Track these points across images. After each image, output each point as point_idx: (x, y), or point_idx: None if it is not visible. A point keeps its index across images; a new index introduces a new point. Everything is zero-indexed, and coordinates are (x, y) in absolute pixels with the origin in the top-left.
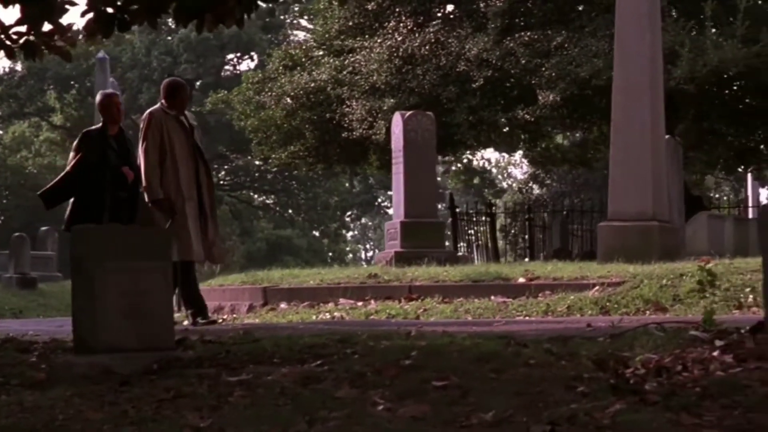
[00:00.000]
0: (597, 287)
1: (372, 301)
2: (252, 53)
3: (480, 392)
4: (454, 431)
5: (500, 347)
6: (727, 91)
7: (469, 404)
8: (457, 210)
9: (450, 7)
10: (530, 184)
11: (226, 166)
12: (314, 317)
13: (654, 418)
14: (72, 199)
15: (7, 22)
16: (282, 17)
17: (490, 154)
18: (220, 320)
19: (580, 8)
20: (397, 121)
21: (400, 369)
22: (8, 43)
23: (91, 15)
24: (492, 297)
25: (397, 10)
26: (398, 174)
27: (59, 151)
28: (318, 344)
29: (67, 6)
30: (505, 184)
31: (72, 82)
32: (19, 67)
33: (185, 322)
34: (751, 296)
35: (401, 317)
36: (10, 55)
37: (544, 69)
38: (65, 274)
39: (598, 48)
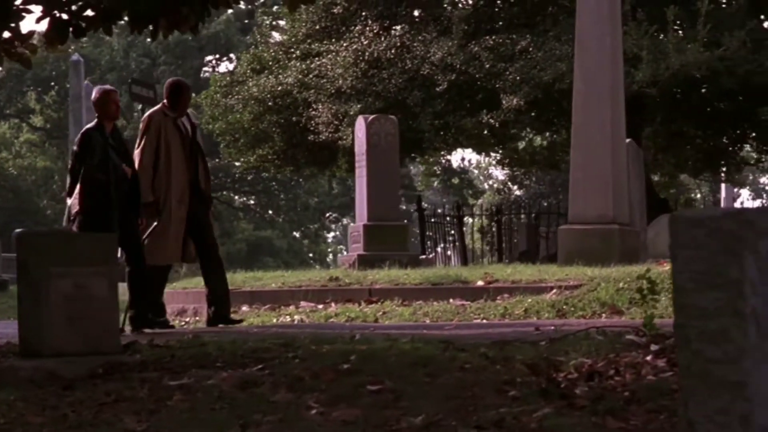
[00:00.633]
0: (555, 290)
1: (332, 304)
2: (231, 55)
3: (413, 396)
4: None
5: (437, 352)
6: (694, 94)
7: (400, 408)
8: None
9: (416, 11)
10: (508, 185)
11: None
12: (274, 320)
13: (580, 423)
14: (78, 200)
15: None
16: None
17: (470, 154)
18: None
19: (549, 10)
20: (360, 125)
21: (337, 373)
22: None
23: (47, 21)
24: (451, 300)
25: (364, 14)
26: (361, 177)
27: (39, 152)
28: (261, 348)
29: (23, 13)
30: (486, 185)
31: (52, 84)
32: None
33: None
34: None
35: (360, 320)
36: None
37: (508, 73)
38: None
39: (562, 52)
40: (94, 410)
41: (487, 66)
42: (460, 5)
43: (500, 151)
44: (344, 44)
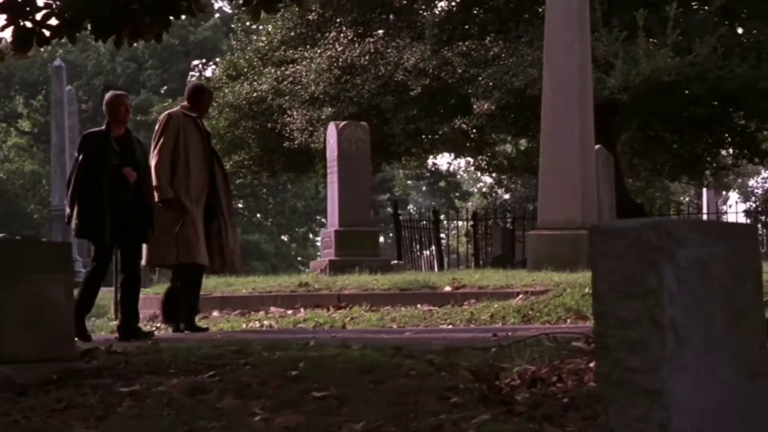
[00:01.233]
0: (521, 296)
1: (301, 310)
2: (217, 59)
3: (356, 403)
4: None
5: (385, 358)
6: (669, 100)
7: (343, 415)
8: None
9: (390, 17)
10: (495, 189)
11: None
12: (244, 325)
13: (517, 429)
14: (75, 204)
15: None
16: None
17: (458, 158)
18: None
19: (523, 17)
20: (331, 131)
21: (284, 380)
22: None
23: (11, 29)
24: (418, 305)
25: (338, 20)
26: (333, 183)
27: (27, 156)
28: (214, 355)
29: None
30: (475, 189)
31: (39, 88)
32: None
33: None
34: None
35: (328, 325)
36: None
37: (480, 78)
38: None
39: (533, 58)
40: (44, 416)
41: (460, 71)
42: (433, 11)
43: (478, 156)
44: (318, 51)
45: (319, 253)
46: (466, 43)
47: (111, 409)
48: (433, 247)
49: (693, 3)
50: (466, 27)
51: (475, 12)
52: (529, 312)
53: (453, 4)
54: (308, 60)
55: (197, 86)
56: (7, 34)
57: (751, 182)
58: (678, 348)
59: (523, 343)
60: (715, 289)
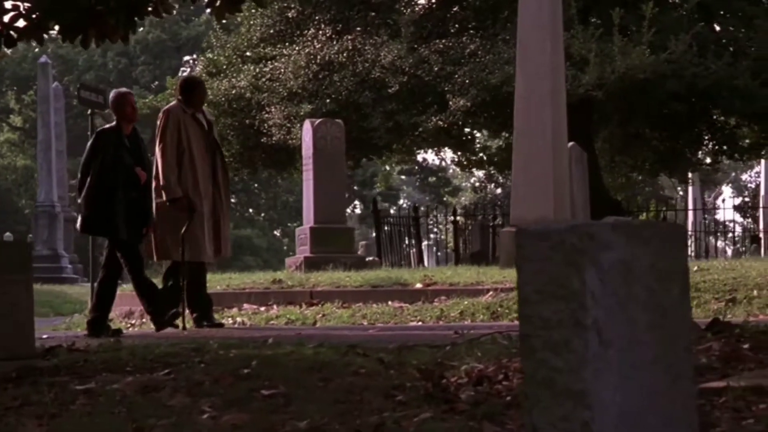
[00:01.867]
0: (491, 293)
1: (274, 307)
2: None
3: (303, 401)
4: None
5: (337, 356)
6: (648, 97)
7: (289, 413)
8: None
9: (369, 15)
10: (485, 184)
11: None
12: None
13: (457, 427)
14: (86, 201)
15: None
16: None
17: (450, 153)
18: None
19: (502, 15)
20: (306, 128)
21: (236, 378)
22: None
23: None
24: (390, 302)
25: (317, 17)
26: (308, 180)
27: (18, 151)
28: (171, 353)
29: None
30: (468, 184)
31: (30, 83)
32: None
33: (188, 325)
34: None
35: (300, 322)
36: None
37: (457, 76)
38: None
39: (509, 55)
40: None
41: (436, 69)
42: (409, 10)
43: (458, 152)
44: (297, 48)
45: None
46: (443, 41)
47: (65, 407)
48: (421, 244)
49: (669, 1)
50: (444, 25)
51: (454, 10)
52: (498, 309)
53: (432, 1)
54: (287, 57)
55: (188, 80)
56: None
57: (744, 177)
58: (601, 349)
59: (477, 341)
60: (639, 291)
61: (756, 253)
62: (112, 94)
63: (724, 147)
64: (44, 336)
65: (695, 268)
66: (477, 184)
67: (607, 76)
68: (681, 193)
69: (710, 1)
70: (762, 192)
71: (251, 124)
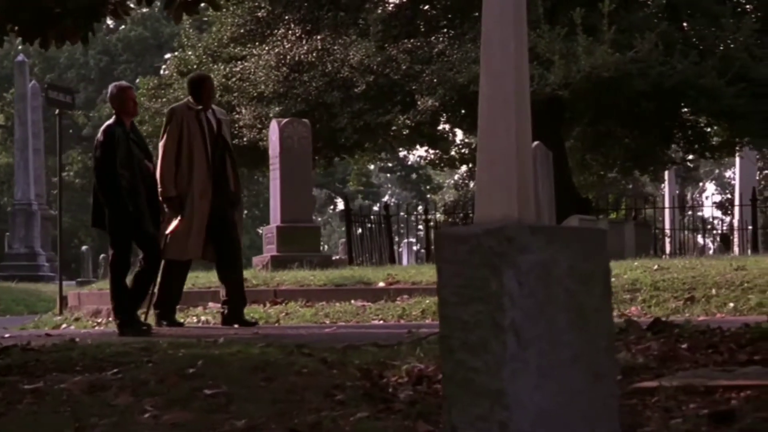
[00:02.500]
0: None
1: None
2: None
3: (244, 400)
4: None
5: (282, 356)
6: (619, 95)
7: (229, 412)
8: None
9: (339, 15)
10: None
11: None
12: (181, 320)
13: (392, 426)
14: (108, 200)
15: None
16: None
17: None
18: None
19: (475, 15)
20: (273, 128)
21: (180, 377)
22: None
23: None
24: (353, 301)
25: (287, 17)
26: (275, 180)
27: (1, 149)
28: (121, 353)
29: None
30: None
31: (12, 82)
32: None
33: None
34: None
35: (263, 321)
36: None
37: (425, 75)
38: None
39: (477, 54)
40: None
41: (404, 68)
42: (379, 9)
43: (430, 151)
44: (267, 48)
45: None
46: (412, 40)
47: (12, 406)
48: (392, 242)
49: (634, 3)
50: (414, 24)
51: (424, 9)
52: None
53: (402, 1)
54: (257, 57)
55: (195, 77)
56: None
57: (728, 173)
58: (519, 350)
59: (424, 340)
60: (558, 293)
61: (724, 252)
62: (112, 88)
63: (695, 145)
64: (6, 335)
65: (655, 266)
66: (460, 181)
67: (572, 75)
68: (665, 189)
69: (677, 0)
70: (737, 190)
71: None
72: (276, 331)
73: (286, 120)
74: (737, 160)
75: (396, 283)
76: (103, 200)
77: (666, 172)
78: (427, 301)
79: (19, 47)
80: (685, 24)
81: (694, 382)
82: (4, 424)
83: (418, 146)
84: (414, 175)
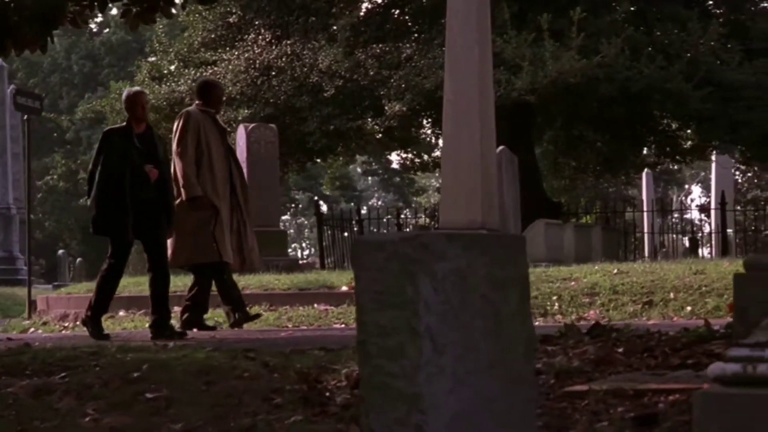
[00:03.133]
0: None
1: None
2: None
3: (184, 404)
4: None
5: (226, 360)
6: (590, 100)
7: (168, 416)
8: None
9: (310, 20)
10: None
11: None
12: (146, 325)
13: (325, 429)
14: (94, 202)
15: None
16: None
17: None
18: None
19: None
20: (240, 133)
21: (124, 382)
22: None
23: None
24: (315, 305)
25: (257, 22)
26: None
27: None
28: (71, 357)
29: None
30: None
31: None
32: None
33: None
34: (557, 304)
35: (226, 325)
36: None
37: (392, 80)
38: None
39: (444, 60)
40: None
41: (372, 73)
42: (347, 14)
43: (403, 155)
44: (236, 53)
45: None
46: (381, 45)
47: None
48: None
49: (602, 9)
50: (383, 29)
51: (393, 15)
52: None
53: (371, 6)
54: (226, 62)
55: (205, 82)
56: None
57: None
58: (434, 355)
59: None
60: (475, 300)
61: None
62: (125, 93)
63: (667, 149)
64: None
65: (615, 270)
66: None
67: (539, 80)
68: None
69: (644, 5)
70: (713, 194)
71: None
72: (233, 335)
73: (253, 125)
74: (713, 164)
75: None
76: (89, 202)
77: (644, 175)
78: None
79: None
80: (652, 30)
81: (624, 386)
82: None
83: (395, 150)
84: (397, 179)
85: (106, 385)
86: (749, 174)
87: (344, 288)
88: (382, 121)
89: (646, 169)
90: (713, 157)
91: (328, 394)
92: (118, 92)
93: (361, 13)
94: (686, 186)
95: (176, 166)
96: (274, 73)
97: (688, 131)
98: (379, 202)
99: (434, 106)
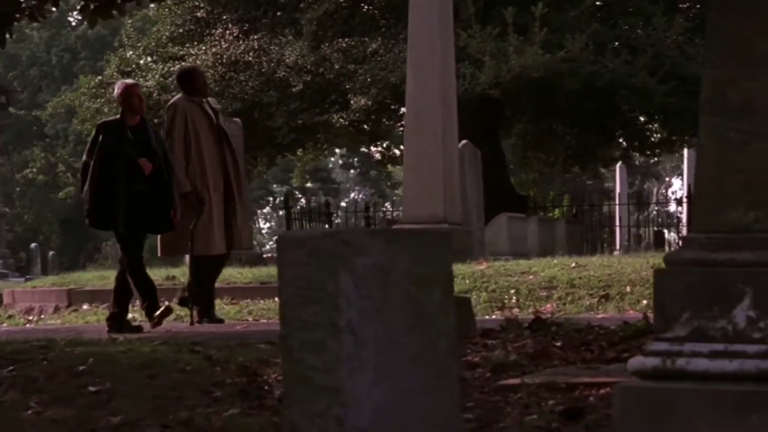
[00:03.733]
0: None
1: (165, 303)
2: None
3: (126, 397)
4: None
5: (171, 353)
6: (559, 93)
7: (109, 408)
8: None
9: (277, 14)
10: None
11: None
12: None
13: (259, 422)
14: (88, 194)
15: None
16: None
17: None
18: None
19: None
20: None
21: (70, 375)
22: None
23: None
24: (276, 298)
25: (225, 17)
26: None
27: None
28: (20, 350)
29: None
30: None
31: None
32: None
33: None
34: (514, 298)
35: (186, 317)
36: None
37: (358, 74)
38: None
39: None
40: None
41: (337, 67)
42: (311, 9)
43: (372, 149)
44: (204, 47)
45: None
46: (347, 40)
47: None
48: None
49: (566, 4)
50: (350, 24)
51: (361, 9)
52: None
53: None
54: (194, 57)
55: (183, 71)
56: None
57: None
58: (355, 349)
59: None
60: (397, 295)
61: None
62: (118, 86)
63: (636, 143)
64: None
65: (573, 264)
66: None
67: (503, 75)
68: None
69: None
70: (684, 187)
71: (159, 123)
72: (190, 329)
73: None
74: (685, 158)
75: None
76: (83, 195)
77: (618, 169)
78: None
79: None
80: (617, 24)
81: (557, 380)
82: None
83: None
84: (374, 172)
85: (51, 378)
86: None
87: None
88: (347, 114)
89: (620, 162)
90: (684, 151)
91: (267, 387)
92: (87, 87)
93: (327, 6)
94: (667, 179)
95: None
96: (241, 68)
97: (656, 125)
98: (361, 195)
99: (400, 99)
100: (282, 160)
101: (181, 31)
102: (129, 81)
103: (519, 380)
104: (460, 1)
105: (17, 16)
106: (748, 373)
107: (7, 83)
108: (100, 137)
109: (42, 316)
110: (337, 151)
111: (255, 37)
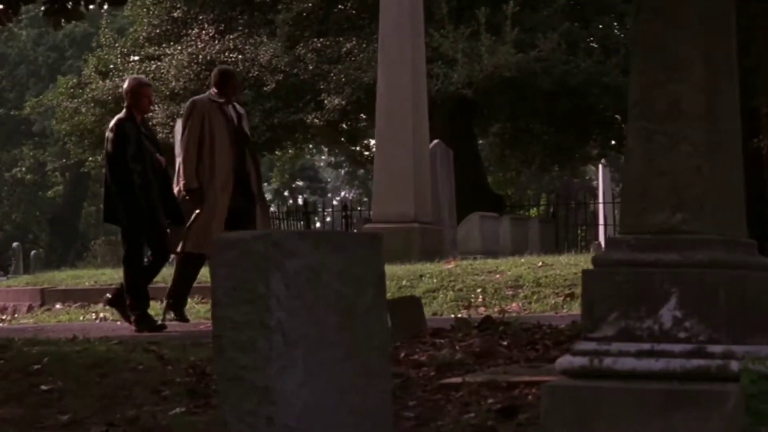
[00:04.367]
0: None
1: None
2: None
3: (76, 396)
4: None
5: (124, 353)
6: (536, 93)
7: (59, 407)
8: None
9: (254, 14)
10: None
11: None
12: (81, 318)
13: (203, 420)
14: (121, 194)
15: None
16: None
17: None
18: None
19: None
20: (178, 127)
21: (24, 374)
22: None
23: None
24: None
25: (201, 17)
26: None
27: None
28: None
29: None
30: None
31: None
32: None
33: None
34: (481, 297)
35: (158, 316)
36: None
37: (332, 74)
38: None
39: None
40: None
41: (311, 67)
42: (285, 9)
43: (351, 148)
44: (180, 48)
45: None
46: (321, 40)
47: None
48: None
49: (539, 3)
50: (325, 24)
51: (336, 10)
52: None
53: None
54: (170, 56)
55: (221, 71)
56: None
57: None
58: (286, 348)
59: None
60: (328, 295)
61: None
62: (129, 82)
63: (612, 142)
64: None
65: (540, 263)
66: None
67: (475, 74)
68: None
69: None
70: None
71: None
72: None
73: None
74: None
75: None
76: (116, 195)
77: (599, 167)
78: None
79: None
80: (588, 24)
81: (498, 378)
82: None
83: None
84: (361, 171)
85: (5, 377)
86: None
87: None
88: (322, 114)
89: (603, 160)
90: None
91: (214, 386)
92: (65, 87)
93: (302, 7)
94: None
95: (180, 156)
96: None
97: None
98: (351, 195)
99: (374, 99)
100: (262, 159)
101: (158, 31)
102: (141, 78)
103: (461, 379)
104: (433, 2)
105: None
106: (673, 372)
107: None
108: (125, 135)
109: (15, 316)
110: (325, 150)
111: (231, 36)
